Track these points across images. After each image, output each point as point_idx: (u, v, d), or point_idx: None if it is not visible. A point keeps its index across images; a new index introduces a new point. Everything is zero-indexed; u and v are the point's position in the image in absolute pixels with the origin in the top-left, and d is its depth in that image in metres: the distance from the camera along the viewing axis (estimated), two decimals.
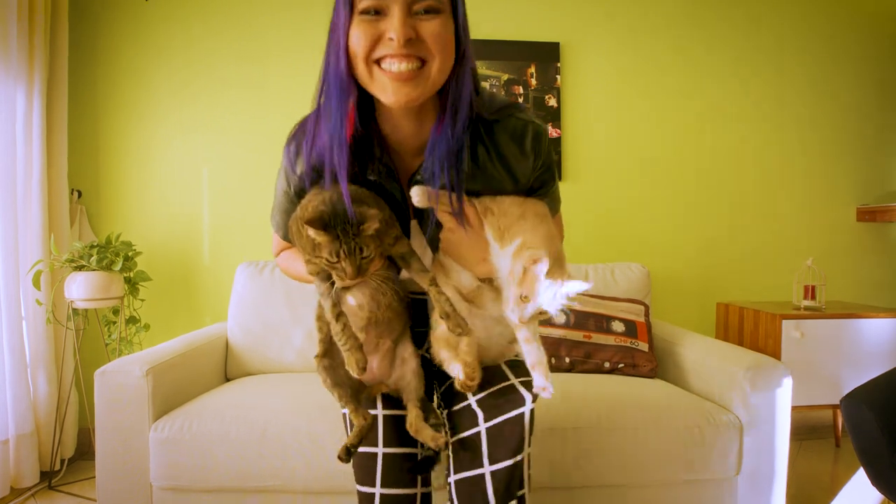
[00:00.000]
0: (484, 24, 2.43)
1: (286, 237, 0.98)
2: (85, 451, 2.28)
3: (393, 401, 0.98)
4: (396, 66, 0.72)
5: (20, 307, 2.00)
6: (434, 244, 0.94)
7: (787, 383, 1.64)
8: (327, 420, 1.51)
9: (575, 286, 0.79)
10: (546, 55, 2.44)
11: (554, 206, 0.97)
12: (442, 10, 0.74)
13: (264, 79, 2.40)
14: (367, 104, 0.85)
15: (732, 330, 2.44)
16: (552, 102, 2.45)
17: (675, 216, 2.57)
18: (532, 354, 0.88)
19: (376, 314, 0.88)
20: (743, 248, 2.60)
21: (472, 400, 0.94)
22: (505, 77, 2.42)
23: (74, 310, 2.06)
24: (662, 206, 2.56)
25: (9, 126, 1.97)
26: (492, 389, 0.93)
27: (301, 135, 0.87)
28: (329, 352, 0.93)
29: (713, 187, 2.59)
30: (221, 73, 2.40)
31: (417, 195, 0.86)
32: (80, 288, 1.97)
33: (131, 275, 2.12)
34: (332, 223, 0.75)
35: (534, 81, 2.44)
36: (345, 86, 0.77)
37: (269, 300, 2.06)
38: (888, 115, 2.69)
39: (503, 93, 2.42)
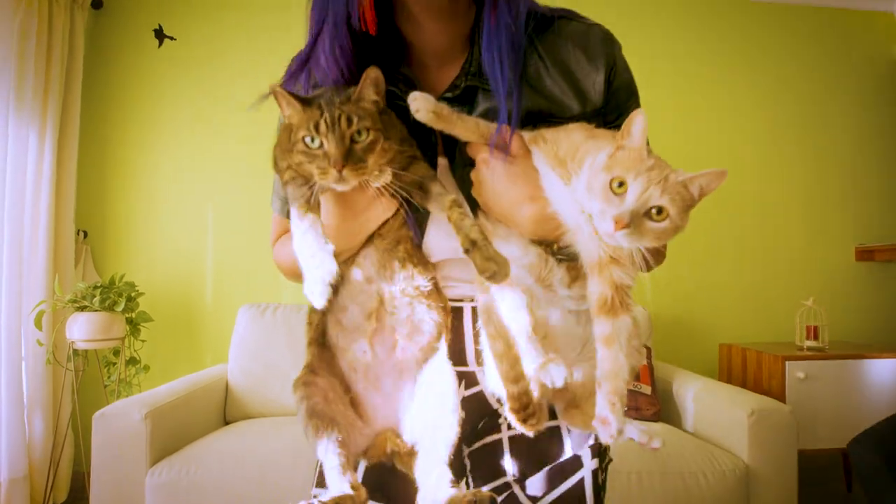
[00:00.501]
0: None
1: (284, 210, 0.76)
2: (78, 496, 2.22)
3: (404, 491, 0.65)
4: None
5: (20, 347, 2.00)
6: (469, 195, 0.68)
7: (793, 426, 1.62)
8: None
9: (708, 179, 0.54)
10: None
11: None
12: None
13: (268, 121, 2.47)
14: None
15: (735, 371, 2.42)
16: None
17: (675, 257, 2.58)
18: (606, 362, 0.59)
19: (391, 294, 0.63)
20: (743, 288, 2.61)
21: (510, 473, 0.69)
22: None
23: (75, 350, 2.06)
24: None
25: (20, 168, 2.02)
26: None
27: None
28: (317, 363, 0.67)
29: (713, 227, 2.62)
30: (226, 117, 2.46)
31: (417, 103, 0.59)
32: (82, 328, 1.97)
33: (133, 315, 2.13)
34: (315, 98, 0.57)
35: None
36: None
37: (271, 342, 2.06)
38: (885, 156, 2.74)
39: None
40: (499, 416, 0.74)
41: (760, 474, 1.59)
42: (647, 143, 0.57)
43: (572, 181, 0.59)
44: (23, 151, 2.03)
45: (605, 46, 0.68)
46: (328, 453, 0.60)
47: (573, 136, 0.62)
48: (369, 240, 0.65)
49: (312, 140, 0.55)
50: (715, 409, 1.77)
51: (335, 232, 0.63)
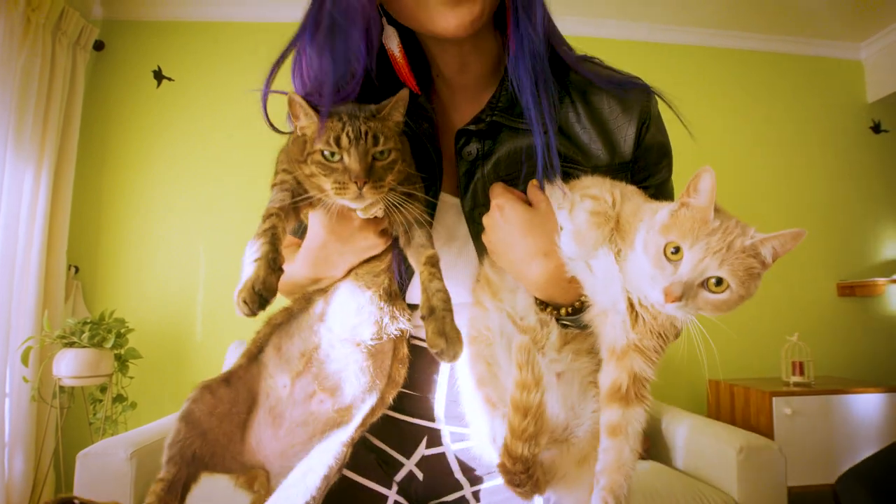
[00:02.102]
0: None
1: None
2: None
3: None
4: None
5: (5, 384, 1.97)
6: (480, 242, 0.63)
7: (781, 463, 1.64)
8: None
9: (782, 241, 0.49)
10: None
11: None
12: None
13: (261, 161, 2.51)
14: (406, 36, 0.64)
15: (724, 407, 2.44)
16: None
17: None
18: (609, 454, 0.53)
19: (330, 341, 0.61)
20: (729, 324, 2.62)
21: None
22: None
23: (61, 387, 2.03)
24: None
25: (14, 205, 2.03)
26: None
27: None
28: (237, 374, 0.63)
29: None
30: (221, 157, 2.51)
31: None
32: (70, 365, 1.95)
33: (122, 352, 2.11)
34: (336, 111, 0.55)
35: None
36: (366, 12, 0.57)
37: None
38: (861, 194, 2.83)
39: None
40: (461, 487, 0.68)
41: None
42: (716, 205, 0.53)
43: (625, 253, 0.53)
44: (18, 187, 2.05)
45: (641, 99, 0.65)
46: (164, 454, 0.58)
47: (634, 199, 0.56)
48: (343, 277, 0.62)
49: (332, 154, 0.53)
50: (704, 447, 1.78)
51: (311, 255, 0.61)
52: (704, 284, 0.50)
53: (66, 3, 2.21)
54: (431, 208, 0.64)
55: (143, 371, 2.27)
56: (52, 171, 2.17)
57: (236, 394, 0.62)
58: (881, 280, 2.63)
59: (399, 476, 0.68)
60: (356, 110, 0.55)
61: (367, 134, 0.53)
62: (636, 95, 0.65)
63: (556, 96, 0.63)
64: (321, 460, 0.57)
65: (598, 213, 0.54)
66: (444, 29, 0.57)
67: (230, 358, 2.12)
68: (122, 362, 2.11)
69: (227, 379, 0.62)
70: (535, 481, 0.55)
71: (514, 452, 0.54)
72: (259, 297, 0.50)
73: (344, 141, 0.52)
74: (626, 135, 0.64)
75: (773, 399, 2.17)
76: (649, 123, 0.65)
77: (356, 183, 0.52)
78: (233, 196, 2.49)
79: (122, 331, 2.07)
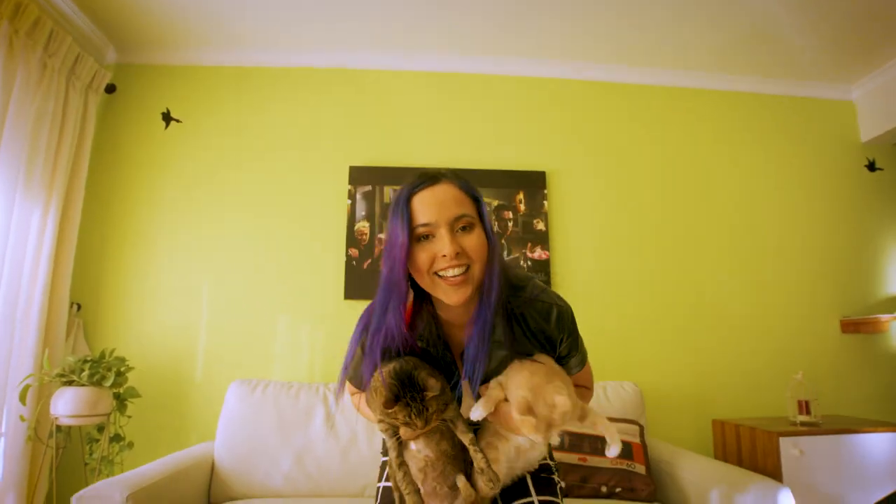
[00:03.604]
0: (477, 154, 2.66)
1: (360, 386, 1.15)
2: None
3: None
4: (451, 272, 0.95)
5: (1, 423, 1.94)
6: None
7: None
8: None
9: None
10: (533, 182, 2.63)
11: (579, 361, 1.13)
12: (474, 223, 0.98)
13: (266, 201, 2.55)
14: (423, 294, 1.08)
15: (730, 447, 2.39)
16: (540, 226, 2.59)
17: (663, 333, 2.61)
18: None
19: (431, 458, 1.03)
20: (732, 362, 2.62)
21: None
22: (496, 203, 2.59)
23: (58, 426, 2.01)
24: (651, 323, 2.62)
25: (21, 244, 2.06)
26: None
27: (367, 319, 1.06)
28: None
29: (699, 303, 2.67)
30: (225, 197, 2.55)
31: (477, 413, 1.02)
32: (68, 404, 1.93)
33: (121, 390, 2.09)
34: (402, 394, 0.95)
35: (522, 207, 2.61)
36: (402, 291, 0.99)
37: (260, 421, 2.02)
38: (860, 230, 2.85)
39: (494, 217, 2.58)
40: None
41: None
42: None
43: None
44: (25, 226, 2.08)
45: (559, 322, 1.03)
46: None
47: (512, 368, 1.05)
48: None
49: (407, 418, 0.95)
50: (712, 490, 1.74)
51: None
52: None
53: (81, 49, 2.30)
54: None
55: (142, 410, 2.25)
56: (60, 210, 2.20)
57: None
58: (885, 317, 2.62)
59: None
60: (413, 392, 0.96)
61: (422, 410, 0.95)
62: (557, 321, 1.04)
63: (504, 322, 1.03)
64: None
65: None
66: (450, 301, 0.98)
67: (230, 398, 2.10)
68: (120, 401, 2.09)
69: None
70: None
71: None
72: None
73: (412, 416, 0.95)
74: (553, 343, 1.05)
75: (781, 439, 2.13)
76: (565, 333, 1.05)
77: (421, 430, 0.98)
78: (236, 236, 2.51)
79: (122, 369, 2.06)
